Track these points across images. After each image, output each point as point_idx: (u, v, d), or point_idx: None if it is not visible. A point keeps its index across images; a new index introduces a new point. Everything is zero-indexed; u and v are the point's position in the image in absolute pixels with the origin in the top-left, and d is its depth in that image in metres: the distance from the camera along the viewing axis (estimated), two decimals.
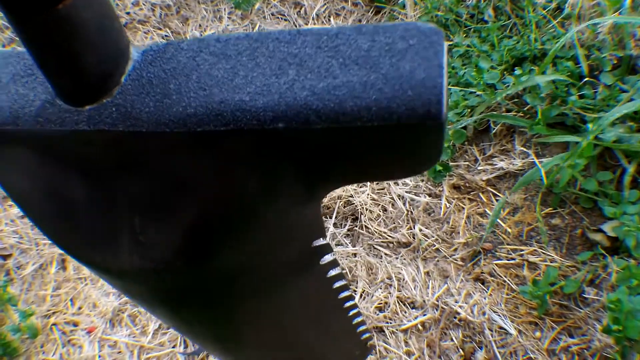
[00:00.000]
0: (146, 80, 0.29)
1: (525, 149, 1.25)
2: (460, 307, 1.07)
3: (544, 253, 1.11)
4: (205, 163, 0.30)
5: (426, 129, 0.27)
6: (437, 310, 1.08)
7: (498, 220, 1.17)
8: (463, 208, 1.22)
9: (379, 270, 1.15)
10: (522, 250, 1.13)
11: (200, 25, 1.77)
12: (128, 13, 1.83)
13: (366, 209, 1.24)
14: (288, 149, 0.29)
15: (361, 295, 1.12)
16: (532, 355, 1.00)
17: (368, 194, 1.27)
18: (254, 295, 0.43)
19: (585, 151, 1.06)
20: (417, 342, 1.05)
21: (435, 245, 1.18)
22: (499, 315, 1.05)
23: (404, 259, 1.17)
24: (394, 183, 1.29)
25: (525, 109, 1.27)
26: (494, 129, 1.30)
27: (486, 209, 1.21)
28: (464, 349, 1.03)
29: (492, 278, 1.11)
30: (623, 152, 1.10)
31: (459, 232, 1.19)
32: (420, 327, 1.07)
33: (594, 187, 1.10)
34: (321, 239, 0.41)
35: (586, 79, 1.21)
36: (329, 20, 1.73)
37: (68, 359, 1.10)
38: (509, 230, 1.17)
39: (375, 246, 1.19)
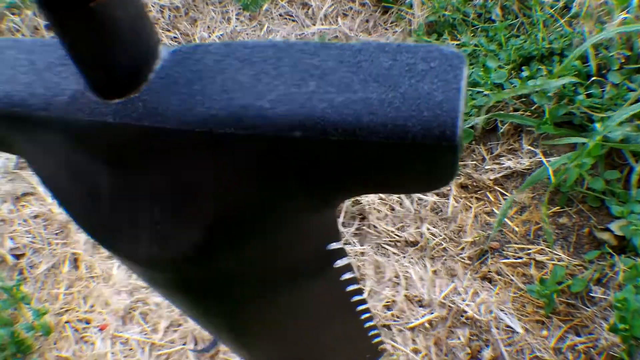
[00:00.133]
0: (173, 79, 0.30)
1: (532, 148, 1.25)
2: (467, 305, 1.08)
3: (551, 252, 1.11)
4: (223, 163, 0.31)
5: (441, 150, 0.27)
6: (444, 308, 1.09)
7: (505, 219, 1.18)
8: (470, 207, 1.23)
9: (386, 269, 1.16)
10: (529, 249, 1.14)
11: (208, 27, 1.79)
12: None
13: (374, 208, 1.25)
14: (304, 157, 0.30)
15: (369, 294, 1.13)
16: (538, 354, 1.00)
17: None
18: (266, 292, 0.44)
19: (593, 150, 1.06)
20: (424, 340, 1.06)
21: (442, 244, 1.18)
22: (505, 314, 1.06)
23: (412, 257, 1.17)
24: None
25: (533, 108, 1.27)
26: (502, 128, 1.30)
27: (493, 208, 1.22)
28: (470, 347, 1.04)
29: (499, 277, 1.12)
30: (631, 151, 1.10)
31: (466, 231, 1.19)
32: (427, 325, 1.08)
33: (602, 186, 1.10)
34: (335, 243, 0.42)
35: (593, 78, 1.21)
36: (337, 20, 1.74)
37: (81, 356, 1.12)
38: (516, 229, 1.17)
39: (383, 245, 1.20)
